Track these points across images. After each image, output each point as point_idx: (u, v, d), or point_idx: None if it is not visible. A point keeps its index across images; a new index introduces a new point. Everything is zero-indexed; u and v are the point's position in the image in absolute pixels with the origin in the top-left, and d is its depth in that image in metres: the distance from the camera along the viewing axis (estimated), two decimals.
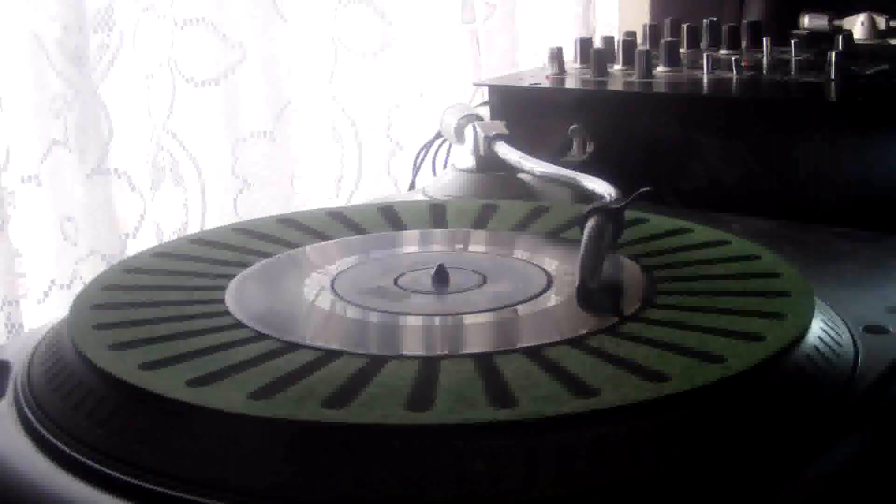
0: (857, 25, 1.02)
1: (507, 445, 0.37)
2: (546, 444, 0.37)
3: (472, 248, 0.60)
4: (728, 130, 0.75)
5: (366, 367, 0.42)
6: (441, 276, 0.52)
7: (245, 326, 0.47)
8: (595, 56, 0.85)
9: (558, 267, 0.54)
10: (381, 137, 1.05)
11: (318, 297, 0.51)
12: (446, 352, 0.45)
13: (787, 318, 0.46)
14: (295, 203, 0.96)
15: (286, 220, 0.63)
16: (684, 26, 0.94)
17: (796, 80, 0.79)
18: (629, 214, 0.57)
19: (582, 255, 0.51)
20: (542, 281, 0.52)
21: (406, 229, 0.62)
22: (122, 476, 0.38)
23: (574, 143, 0.80)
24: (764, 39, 0.89)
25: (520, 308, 0.49)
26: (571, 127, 0.80)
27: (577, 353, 0.43)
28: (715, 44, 0.94)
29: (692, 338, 0.44)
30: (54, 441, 0.41)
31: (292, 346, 0.44)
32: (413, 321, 0.49)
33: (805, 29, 1.04)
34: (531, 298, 0.50)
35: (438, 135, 0.86)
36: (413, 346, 0.47)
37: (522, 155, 0.73)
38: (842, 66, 0.77)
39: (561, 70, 0.86)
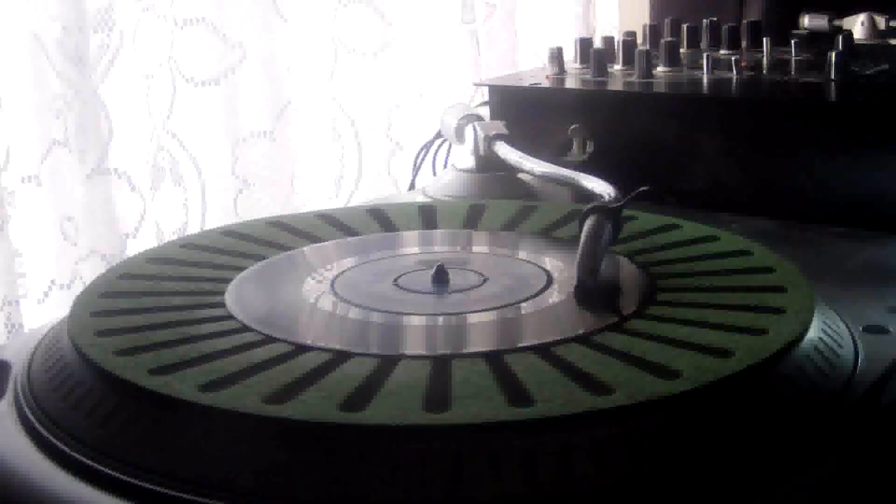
0: (857, 25, 1.02)
1: (433, 449, 0.37)
2: (476, 449, 0.37)
3: (473, 248, 0.60)
4: (728, 130, 0.75)
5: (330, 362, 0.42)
6: (441, 277, 0.52)
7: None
8: (595, 56, 0.85)
9: (543, 267, 0.54)
10: (381, 137, 1.05)
11: (318, 296, 0.51)
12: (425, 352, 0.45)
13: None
14: (295, 203, 0.96)
15: (324, 217, 0.64)
16: (684, 26, 0.94)
17: (796, 80, 0.79)
18: (658, 222, 0.57)
19: (580, 254, 0.51)
20: (524, 283, 0.52)
21: (440, 229, 0.62)
22: (122, 476, 0.38)
23: (574, 143, 0.80)
24: (764, 39, 0.89)
25: (487, 313, 0.49)
26: (571, 127, 0.80)
27: (538, 360, 0.43)
28: (715, 44, 0.94)
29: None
30: (54, 441, 0.41)
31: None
32: (387, 319, 0.48)
33: (805, 29, 1.04)
34: (502, 306, 0.50)
35: (438, 135, 0.86)
36: (377, 346, 0.47)
37: (522, 155, 0.73)
38: (842, 66, 0.77)
39: (561, 70, 0.86)
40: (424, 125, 1.00)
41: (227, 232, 0.61)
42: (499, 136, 0.76)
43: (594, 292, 0.50)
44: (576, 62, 0.89)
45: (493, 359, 0.43)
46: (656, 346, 0.43)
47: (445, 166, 0.87)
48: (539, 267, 0.54)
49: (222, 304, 0.50)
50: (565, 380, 0.41)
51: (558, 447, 0.37)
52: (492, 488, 0.36)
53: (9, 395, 0.46)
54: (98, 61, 0.80)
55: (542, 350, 0.43)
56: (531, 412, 0.38)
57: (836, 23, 1.03)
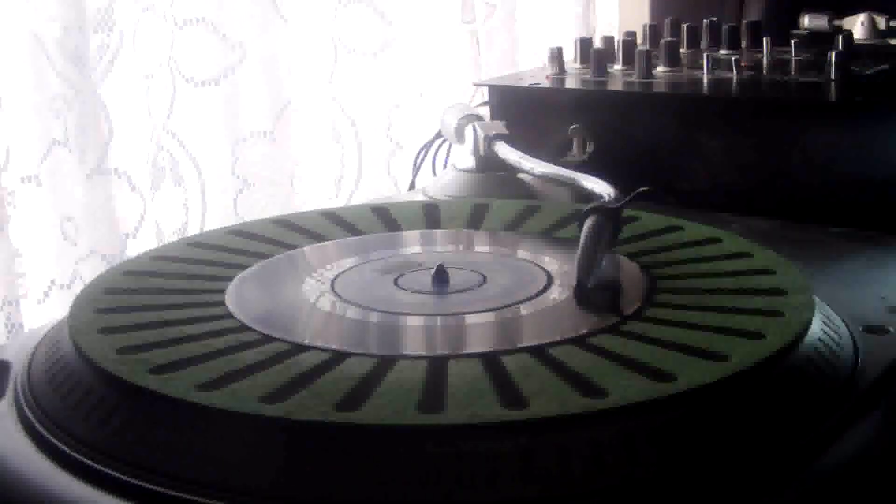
0: (857, 25, 1.02)
1: (428, 450, 0.37)
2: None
3: (474, 248, 0.60)
4: (728, 130, 0.75)
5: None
6: (441, 276, 0.52)
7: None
8: (595, 56, 0.85)
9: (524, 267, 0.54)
10: (381, 137, 1.05)
11: (318, 297, 0.51)
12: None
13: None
14: (295, 203, 0.96)
15: (330, 214, 0.64)
16: (684, 26, 0.94)
17: (796, 80, 0.79)
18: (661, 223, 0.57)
19: (579, 254, 0.51)
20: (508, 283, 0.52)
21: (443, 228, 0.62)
22: (122, 476, 0.38)
23: (574, 143, 0.80)
24: (764, 39, 0.89)
25: (484, 314, 0.49)
26: (571, 127, 0.80)
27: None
28: (715, 44, 0.94)
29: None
30: (54, 441, 0.41)
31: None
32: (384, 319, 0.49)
33: (805, 29, 1.04)
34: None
35: (438, 135, 0.86)
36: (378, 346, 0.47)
37: (522, 155, 0.73)
38: (842, 66, 0.77)
39: (561, 70, 0.86)
40: (424, 125, 1.00)
41: (233, 231, 0.61)
42: (499, 136, 0.76)
43: (593, 293, 0.50)
44: (576, 62, 0.89)
45: (489, 360, 0.42)
46: (652, 349, 0.43)
47: (445, 166, 0.87)
48: (539, 267, 0.54)
49: (222, 303, 0.50)
50: (559, 382, 0.40)
51: (555, 448, 0.37)
52: (489, 488, 0.36)
53: (9, 395, 0.46)
54: (98, 61, 0.80)
55: (537, 351, 0.43)
56: (525, 413, 0.38)
57: (836, 23, 1.03)
